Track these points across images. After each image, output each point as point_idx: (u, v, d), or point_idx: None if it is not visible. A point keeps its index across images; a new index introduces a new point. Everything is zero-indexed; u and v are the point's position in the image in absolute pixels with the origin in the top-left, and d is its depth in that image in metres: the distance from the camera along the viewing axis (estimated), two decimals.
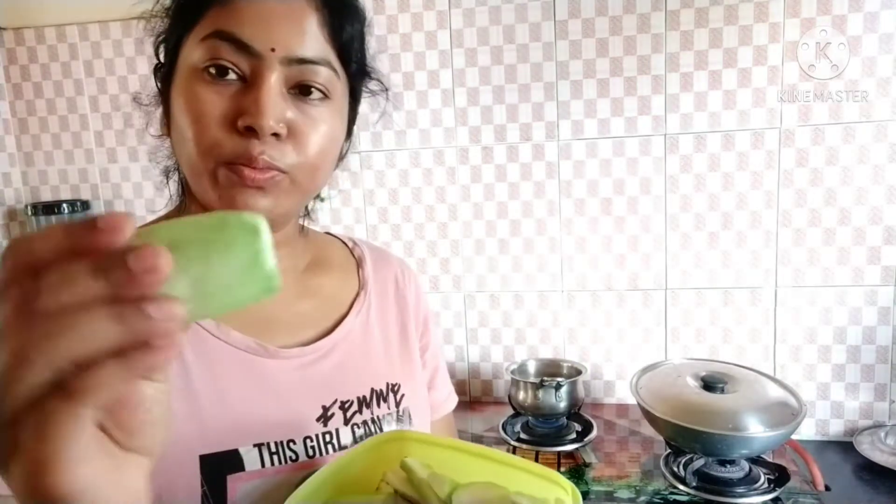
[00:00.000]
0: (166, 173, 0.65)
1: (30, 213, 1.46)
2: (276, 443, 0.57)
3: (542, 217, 1.39)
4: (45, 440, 0.25)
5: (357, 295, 0.71)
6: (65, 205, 1.46)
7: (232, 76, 0.52)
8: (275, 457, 0.57)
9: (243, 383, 0.58)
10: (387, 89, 0.67)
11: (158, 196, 0.65)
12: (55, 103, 1.49)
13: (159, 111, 0.61)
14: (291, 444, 0.58)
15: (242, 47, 0.52)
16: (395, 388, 0.68)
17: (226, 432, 0.55)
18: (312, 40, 0.54)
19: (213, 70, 0.52)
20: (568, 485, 0.50)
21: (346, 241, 0.77)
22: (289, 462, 0.57)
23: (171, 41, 0.57)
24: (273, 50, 0.52)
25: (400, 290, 0.75)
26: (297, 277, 0.68)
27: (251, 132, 0.52)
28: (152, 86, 0.62)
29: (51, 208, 1.46)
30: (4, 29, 1.47)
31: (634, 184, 1.34)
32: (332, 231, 0.81)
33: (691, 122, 1.30)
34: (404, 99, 1.39)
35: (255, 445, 0.56)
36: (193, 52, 0.53)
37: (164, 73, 0.58)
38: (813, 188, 1.28)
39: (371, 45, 0.63)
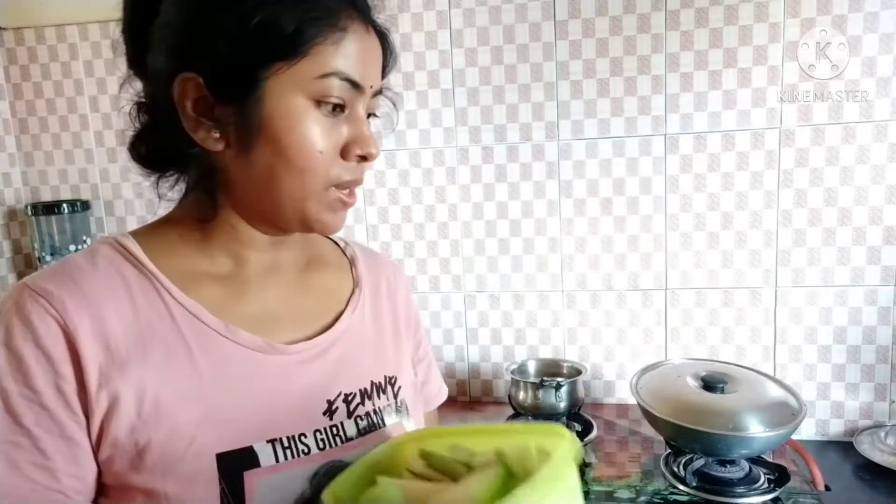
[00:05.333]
0: (182, 182, 0.64)
1: (30, 213, 1.46)
2: (288, 437, 0.59)
3: (542, 217, 1.39)
4: None
5: (352, 292, 0.73)
6: (65, 205, 1.47)
7: (339, 109, 0.58)
8: (288, 451, 0.59)
9: (253, 381, 0.60)
10: (395, 104, 0.73)
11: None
12: (55, 103, 1.49)
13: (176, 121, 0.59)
14: (303, 438, 0.60)
15: (354, 85, 0.58)
16: (392, 380, 0.71)
17: (240, 430, 0.57)
18: (380, 73, 0.63)
19: (331, 107, 0.58)
20: (565, 432, 0.50)
21: (337, 241, 0.80)
22: (301, 455, 0.59)
23: (253, 64, 0.55)
24: (371, 86, 0.60)
25: (391, 288, 0.78)
26: (299, 274, 0.70)
27: (363, 159, 0.60)
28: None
29: (51, 208, 1.46)
30: (4, 29, 1.47)
31: (634, 184, 1.34)
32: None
33: (691, 122, 1.30)
34: (404, 99, 1.39)
35: (268, 441, 0.58)
36: (305, 86, 0.56)
37: (235, 90, 0.56)
38: (813, 188, 1.28)
39: None
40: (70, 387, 0.53)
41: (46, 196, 1.54)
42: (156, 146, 0.62)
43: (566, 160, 1.36)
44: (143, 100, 0.62)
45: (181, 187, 0.64)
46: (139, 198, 1.51)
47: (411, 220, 1.44)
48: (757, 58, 1.25)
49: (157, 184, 0.64)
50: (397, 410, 0.69)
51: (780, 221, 1.30)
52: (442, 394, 0.87)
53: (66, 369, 0.53)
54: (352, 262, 0.77)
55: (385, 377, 0.70)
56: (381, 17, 0.63)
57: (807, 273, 1.31)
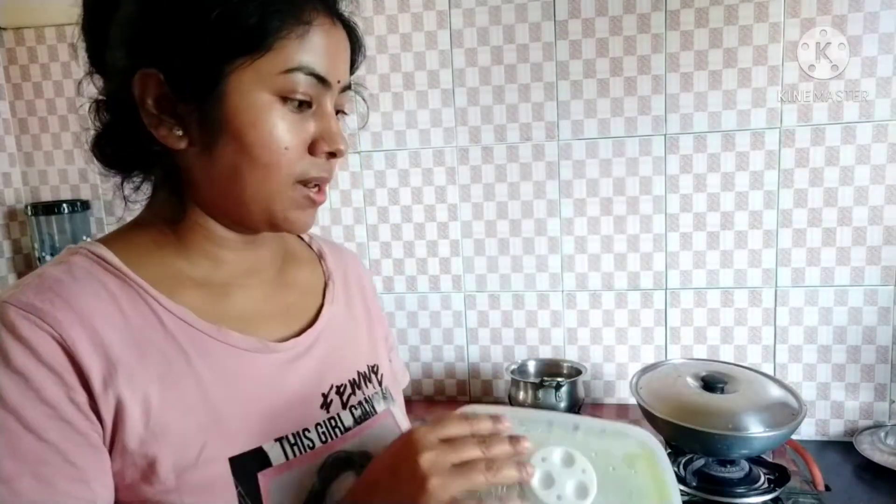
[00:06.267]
0: (151, 182, 0.62)
1: (30, 213, 1.46)
2: (293, 434, 0.60)
3: (542, 217, 1.39)
4: None
5: (325, 285, 0.74)
6: (65, 205, 1.47)
7: (306, 105, 0.57)
8: (295, 448, 0.60)
9: (251, 382, 0.60)
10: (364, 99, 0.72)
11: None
12: (55, 103, 1.49)
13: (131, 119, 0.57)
14: (306, 433, 0.61)
15: (321, 81, 0.57)
16: (375, 368, 0.73)
17: (248, 432, 0.57)
18: (348, 68, 0.62)
19: (297, 103, 0.56)
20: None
21: (302, 236, 0.79)
22: (307, 451, 0.60)
23: (214, 59, 0.53)
24: (339, 81, 0.59)
25: (358, 279, 0.79)
26: (279, 271, 0.70)
27: (331, 156, 0.59)
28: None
29: (51, 208, 1.46)
30: (4, 29, 1.47)
31: (634, 184, 1.34)
32: (333, 231, 0.82)
33: (691, 122, 1.30)
34: (404, 99, 1.39)
35: (276, 440, 0.59)
36: (269, 81, 0.54)
37: (196, 86, 0.54)
38: (813, 188, 1.28)
39: None
40: (81, 397, 0.51)
41: (46, 196, 1.54)
42: (118, 146, 0.60)
43: (566, 160, 1.36)
44: (103, 98, 0.60)
45: (147, 189, 0.62)
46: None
47: (411, 220, 1.44)
48: (757, 58, 1.25)
49: (122, 185, 0.62)
50: (384, 397, 0.71)
51: (780, 221, 1.30)
52: (404, 377, 0.86)
53: (73, 381, 0.51)
54: (320, 256, 0.76)
55: (368, 366, 0.72)
56: (347, 10, 0.61)
57: (807, 273, 1.31)
